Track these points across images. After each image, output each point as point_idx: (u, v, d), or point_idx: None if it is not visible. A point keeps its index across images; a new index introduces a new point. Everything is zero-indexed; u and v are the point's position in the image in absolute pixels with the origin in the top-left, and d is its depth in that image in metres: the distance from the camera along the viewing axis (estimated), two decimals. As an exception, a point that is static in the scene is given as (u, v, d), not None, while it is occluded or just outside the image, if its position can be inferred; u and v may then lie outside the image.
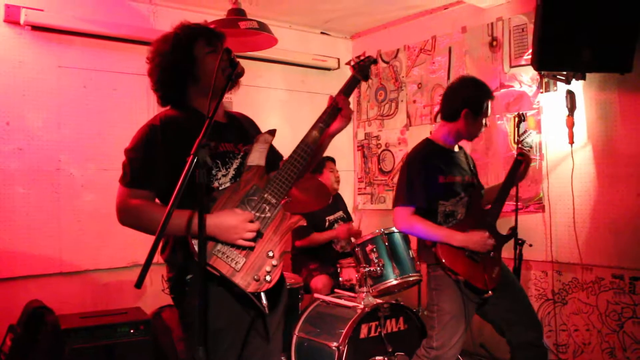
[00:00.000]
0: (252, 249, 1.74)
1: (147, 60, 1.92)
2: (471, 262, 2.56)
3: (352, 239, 3.95)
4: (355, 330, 3.03)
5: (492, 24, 4.03)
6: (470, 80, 2.77)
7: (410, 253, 3.43)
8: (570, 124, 3.49)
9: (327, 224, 4.13)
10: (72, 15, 3.70)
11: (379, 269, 3.29)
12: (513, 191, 2.82)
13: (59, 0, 3.69)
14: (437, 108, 4.22)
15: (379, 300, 3.20)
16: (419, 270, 3.38)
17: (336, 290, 3.63)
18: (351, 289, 3.59)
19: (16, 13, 3.50)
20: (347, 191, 5.02)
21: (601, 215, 3.43)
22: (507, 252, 2.83)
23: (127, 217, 1.76)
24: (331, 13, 4.57)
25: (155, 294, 3.52)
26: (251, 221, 1.74)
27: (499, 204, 2.71)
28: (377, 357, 3.09)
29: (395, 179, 2.85)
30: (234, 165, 1.86)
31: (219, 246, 1.71)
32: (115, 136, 3.81)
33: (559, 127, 3.61)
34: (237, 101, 4.30)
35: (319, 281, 3.79)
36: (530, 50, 3.53)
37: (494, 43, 4.01)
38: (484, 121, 2.71)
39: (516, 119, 2.89)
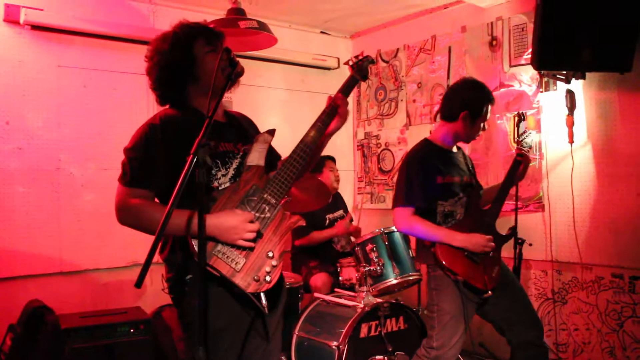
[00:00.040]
0: (252, 249, 1.74)
1: (146, 59, 1.92)
2: (470, 263, 2.56)
3: (352, 238, 3.95)
4: (355, 330, 3.03)
5: (491, 23, 4.03)
6: (472, 83, 2.76)
7: (410, 252, 3.44)
8: (570, 124, 3.50)
9: (327, 222, 4.13)
10: (72, 14, 3.70)
11: (379, 268, 3.30)
12: (513, 191, 2.82)
13: (58, -1, 3.70)
14: (437, 107, 4.22)
15: (379, 300, 3.21)
16: (419, 269, 3.39)
17: (336, 289, 3.64)
18: (351, 288, 3.59)
19: (16, 12, 3.50)
20: (347, 190, 5.02)
21: (601, 214, 3.44)
22: (507, 251, 2.82)
23: (127, 216, 1.76)
24: (331, 13, 4.57)
25: (155, 294, 3.51)
26: (251, 221, 1.74)
27: (498, 204, 2.71)
28: (377, 357, 3.09)
29: (395, 179, 2.84)
30: (234, 165, 1.86)
31: (219, 246, 1.71)
32: (115, 136, 3.81)
33: (558, 127, 3.61)
34: (237, 101, 4.30)
35: (319, 279, 3.78)
36: (530, 50, 3.53)
37: (494, 42, 4.01)
38: (482, 124, 2.70)
39: (516, 119, 2.87)
